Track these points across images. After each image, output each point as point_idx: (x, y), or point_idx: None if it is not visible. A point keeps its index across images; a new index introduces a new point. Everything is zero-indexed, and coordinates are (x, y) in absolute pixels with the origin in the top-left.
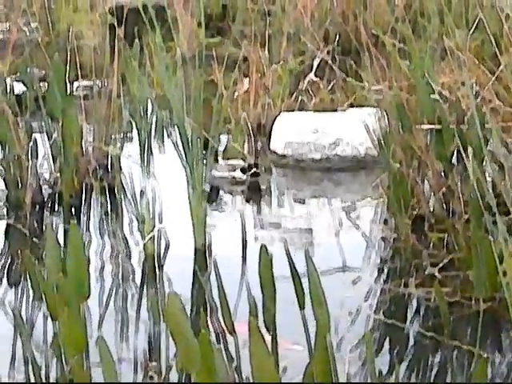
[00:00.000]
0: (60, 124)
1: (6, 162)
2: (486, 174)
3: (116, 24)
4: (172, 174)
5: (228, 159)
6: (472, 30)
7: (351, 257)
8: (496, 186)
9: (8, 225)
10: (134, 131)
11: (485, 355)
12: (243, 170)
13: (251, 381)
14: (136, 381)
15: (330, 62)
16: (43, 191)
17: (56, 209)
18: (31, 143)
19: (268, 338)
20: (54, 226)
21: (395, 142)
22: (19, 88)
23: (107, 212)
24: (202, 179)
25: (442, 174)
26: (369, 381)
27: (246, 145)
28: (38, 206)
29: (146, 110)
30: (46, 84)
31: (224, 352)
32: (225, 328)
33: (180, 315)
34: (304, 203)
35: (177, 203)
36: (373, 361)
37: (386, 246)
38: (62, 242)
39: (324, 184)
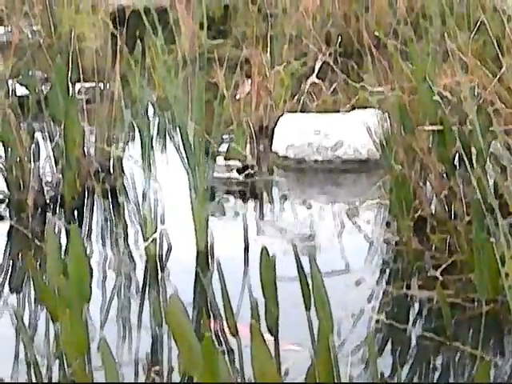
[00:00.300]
0: (62, 126)
1: (9, 164)
2: (488, 176)
3: (118, 26)
4: (174, 176)
5: (229, 160)
6: (474, 32)
7: (353, 259)
8: (498, 187)
9: (10, 226)
10: (136, 133)
11: (487, 357)
12: (239, 171)
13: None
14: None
15: (331, 63)
16: (45, 193)
17: (58, 211)
18: (33, 145)
19: (270, 338)
20: (55, 228)
21: (397, 143)
22: (21, 90)
23: (109, 214)
24: (204, 181)
25: (444, 175)
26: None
27: (248, 147)
28: (40, 208)
29: (148, 112)
30: (48, 86)
31: (226, 354)
32: (227, 330)
33: (182, 317)
34: (306, 205)
35: (179, 205)
36: (375, 362)
37: (388, 247)
38: (63, 244)
39: (326, 186)
